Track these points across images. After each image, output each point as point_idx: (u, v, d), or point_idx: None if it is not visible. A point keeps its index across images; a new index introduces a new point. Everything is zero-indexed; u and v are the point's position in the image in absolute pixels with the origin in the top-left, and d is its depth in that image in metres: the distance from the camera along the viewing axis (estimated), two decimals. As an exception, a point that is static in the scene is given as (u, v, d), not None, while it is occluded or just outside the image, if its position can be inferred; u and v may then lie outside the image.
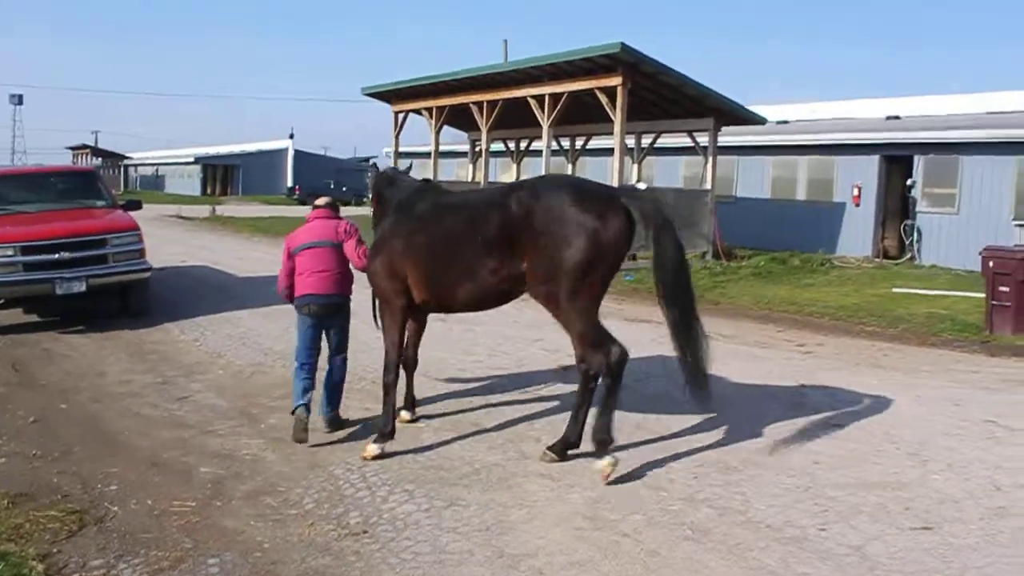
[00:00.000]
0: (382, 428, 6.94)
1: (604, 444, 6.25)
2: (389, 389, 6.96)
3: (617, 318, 13.38)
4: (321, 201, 8.15)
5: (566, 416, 7.73)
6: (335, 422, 7.56)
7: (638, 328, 12.50)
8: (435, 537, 5.31)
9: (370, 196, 8.17)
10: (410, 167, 8.58)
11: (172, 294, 14.94)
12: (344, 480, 6.33)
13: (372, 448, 6.80)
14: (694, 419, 7.75)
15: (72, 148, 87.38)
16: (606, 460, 6.19)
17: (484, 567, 4.92)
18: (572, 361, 9.89)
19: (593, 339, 6.43)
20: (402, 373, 7.41)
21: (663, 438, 7.27)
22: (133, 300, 12.99)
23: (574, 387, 8.64)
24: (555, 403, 8.28)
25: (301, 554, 5.15)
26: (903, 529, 5.42)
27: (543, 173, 20.30)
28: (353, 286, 7.85)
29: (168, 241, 23.67)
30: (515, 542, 5.23)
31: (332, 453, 6.93)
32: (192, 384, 9.25)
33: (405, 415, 7.69)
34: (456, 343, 11.16)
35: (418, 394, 8.27)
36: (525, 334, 11.82)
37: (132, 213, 13.74)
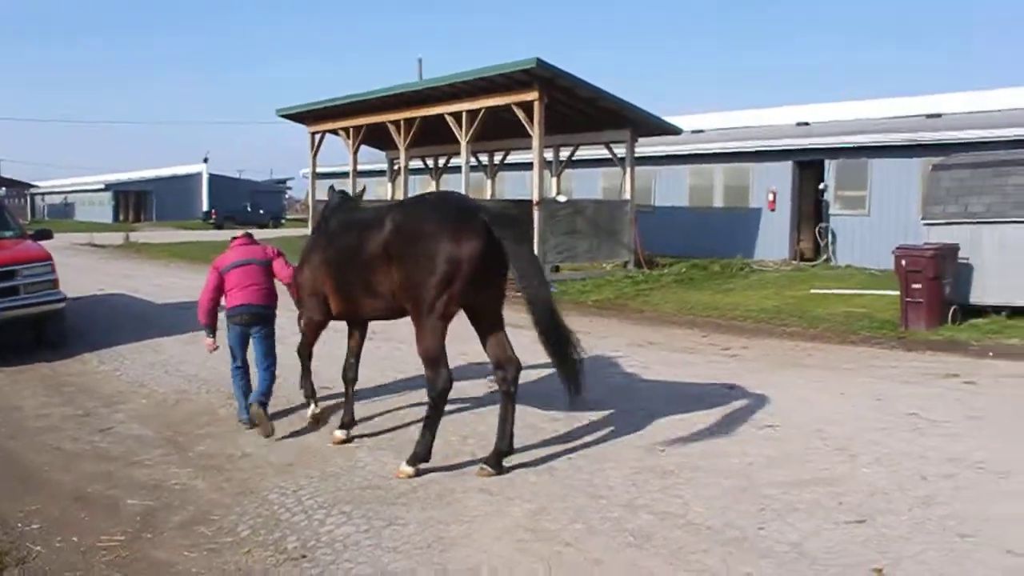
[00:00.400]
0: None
1: (418, 459, 6.68)
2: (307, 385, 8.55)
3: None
4: (239, 232, 9.22)
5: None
6: (258, 414, 7.87)
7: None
8: (376, 557, 5.23)
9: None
10: (363, 190, 9.88)
11: (90, 324, 14.52)
12: (279, 504, 6.20)
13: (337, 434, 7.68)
14: (629, 427, 7.80)
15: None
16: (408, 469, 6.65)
17: (427, 585, 4.87)
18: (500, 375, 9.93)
19: (434, 358, 6.79)
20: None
21: (597, 445, 7.29)
22: (48, 332, 12.56)
23: (495, 399, 8.70)
24: (488, 417, 8.22)
25: (239, 582, 5.03)
26: (838, 523, 5.52)
27: (463, 189, 20.38)
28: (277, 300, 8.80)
29: (83, 270, 23.04)
30: (457, 558, 5.18)
31: (264, 478, 6.78)
32: (114, 415, 8.98)
33: (314, 408, 8.46)
34: (384, 361, 11.08)
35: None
36: (453, 349, 11.68)
37: (43, 243, 13.30)
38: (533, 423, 7.98)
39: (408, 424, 8.13)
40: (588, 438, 7.53)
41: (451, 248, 6.41)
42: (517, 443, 6.99)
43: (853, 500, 5.92)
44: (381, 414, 8.56)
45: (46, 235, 13.80)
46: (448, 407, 8.57)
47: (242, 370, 8.48)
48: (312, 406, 8.47)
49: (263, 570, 5.17)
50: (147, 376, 10.65)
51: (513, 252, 6.60)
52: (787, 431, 7.59)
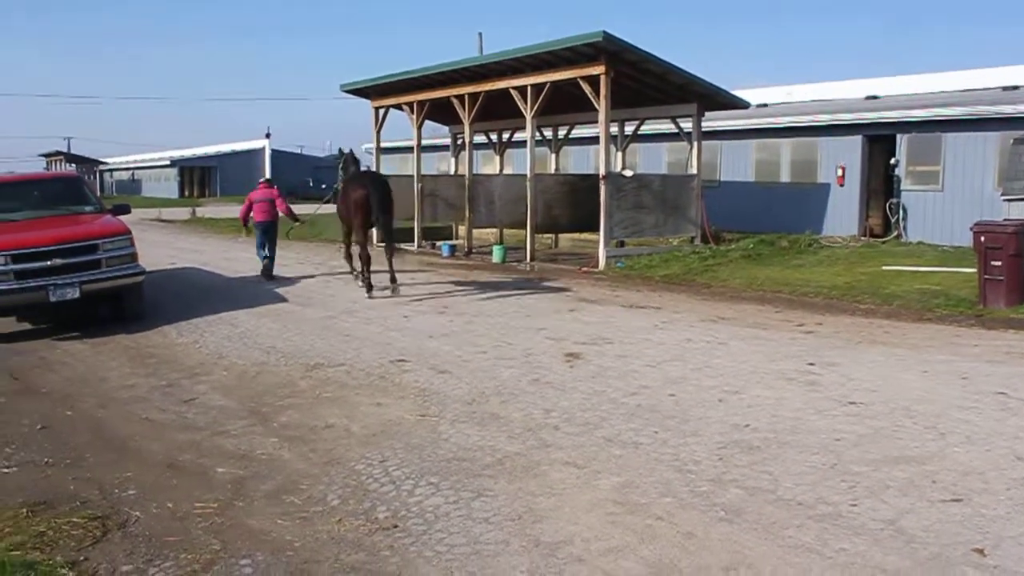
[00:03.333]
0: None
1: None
2: (351, 264, 16.41)
3: (615, 305, 13.42)
4: (263, 178, 18.49)
5: (582, 403, 7.82)
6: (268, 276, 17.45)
7: (639, 314, 12.49)
8: (467, 528, 5.26)
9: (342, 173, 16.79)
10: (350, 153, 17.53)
11: (165, 297, 14.82)
12: (366, 475, 6.27)
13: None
14: (710, 402, 7.75)
15: (45, 155, 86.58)
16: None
17: (522, 556, 4.88)
18: (577, 349, 9.97)
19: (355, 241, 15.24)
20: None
21: (680, 419, 7.25)
22: (128, 304, 12.84)
23: (583, 374, 8.73)
24: (570, 393, 8.24)
25: (333, 551, 5.08)
26: (933, 502, 5.42)
27: (527, 164, 20.34)
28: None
29: (153, 244, 23.52)
30: (549, 530, 5.19)
31: (349, 449, 6.86)
32: (197, 386, 9.15)
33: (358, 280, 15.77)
34: (460, 335, 11.11)
35: (428, 387, 8.53)
36: (527, 324, 11.79)
37: (121, 217, 13.57)
38: (615, 398, 7.97)
39: (488, 397, 8.15)
40: (670, 412, 7.48)
41: (359, 197, 14.33)
42: (600, 417, 7.11)
43: (947, 479, 5.82)
44: (459, 387, 8.57)
45: (124, 210, 14.08)
46: (529, 383, 8.67)
47: (260, 248, 17.83)
48: (359, 280, 15.54)
49: (356, 539, 5.23)
50: (226, 348, 10.83)
51: (377, 201, 14.19)
52: (873, 408, 7.48)
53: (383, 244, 14.73)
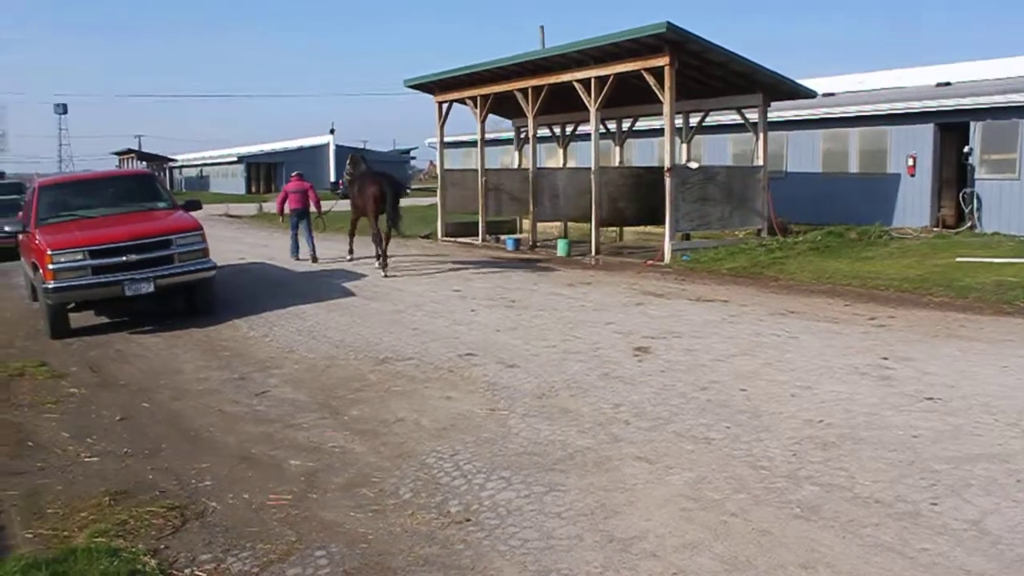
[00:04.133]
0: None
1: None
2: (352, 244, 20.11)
3: (682, 298, 13.31)
4: (295, 173, 21.40)
5: (652, 397, 7.77)
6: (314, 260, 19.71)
7: (707, 308, 12.37)
8: (540, 523, 5.26)
9: (351, 171, 18.85)
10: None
11: (235, 291, 15.07)
12: (437, 468, 6.31)
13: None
14: (783, 397, 7.65)
15: (117, 153, 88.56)
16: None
17: (596, 551, 4.87)
18: (645, 343, 9.91)
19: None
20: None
21: (752, 415, 7.16)
22: (200, 299, 13.10)
23: (652, 368, 8.67)
24: (640, 387, 8.19)
25: (407, 544, 5.13)
26: (1019, 502, 5.28)
27: (591, 157, 20.25)
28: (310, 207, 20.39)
29: (222, 239, 23.91)
30: (622, 525, 5.17)
31: (420, 443, 6.91)
32: (268, 379, 9.29)
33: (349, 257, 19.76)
34: (528, 329, 11.11)
35: (497, 381, 8.59)
36: (594, 317, 11.75)
37: (193, 213, 13.84)
38: (685, 392, 7.91)
39: (558, 391, 8.14)
40: (742, 407, 7.40)
41: (376, 191, 16.92)
42: (670, 412, 7.14)
43: (1031, 477, 5.67)
44: (527, 381, 8.57)
45: (195, 206, 14.35)
46: (598, 377, 8.64)
47: (293, 238, 20.61)
48: (349, 255, 19.86)
49: (429, 532, 5.26)
50: (296, 342, 10.97)
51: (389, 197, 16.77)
52: (951, 404, 7.30)
53: (387, 229, 17.23)
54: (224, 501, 5.98)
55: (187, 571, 4.96)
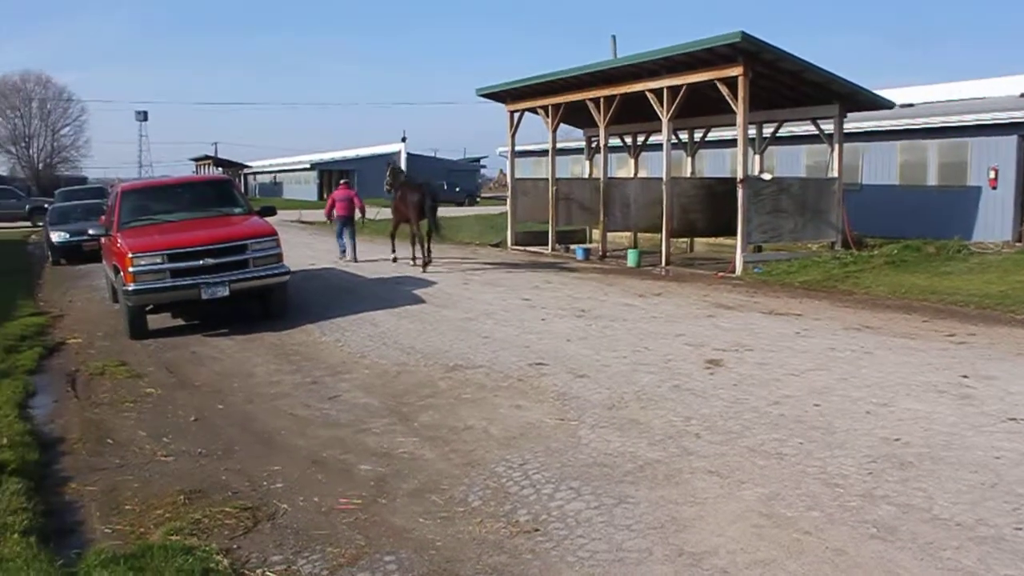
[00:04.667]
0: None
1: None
2: (394, 244, 21.42)
3: (754, 311, 13.14)
4: (343, 181, 23.36)
5: (723, 411, 7.67)
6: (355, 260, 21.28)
7: (779, 321, 12.19)
8: (609, 535, 5.22)
9: (390, 180, 20.55)
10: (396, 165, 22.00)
11: (307, 296, 15.29)
12: (506, 477, 6.31)
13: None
14: (857, 415, 7.49)
15: (195, 159, 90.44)
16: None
17: (665, 566, 4.81)
18: (717, 355, 9.80)
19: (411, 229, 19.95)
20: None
21: (826, 431, 7.02)
22: (273, 303, 13.31)
23: (723, 381, 8.55)
24: (711, 400, 8.09)
25: (475, 552, 5.13)
26: (1109, 527, 5.10)
27: (663, 167, 20.11)
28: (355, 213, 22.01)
29: (295, 245, 24.24)
30: (693, 540, 5.11)
31: (489, 451, 6.91)
32: (340, 384, 9.40)
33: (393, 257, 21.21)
34: (598, 339, 11.06)
35: (566, 390, 8.57)
36: (665, 329, 11.66)
37: (267, 219, 14.07)
38: (757, 407, 7.79)
39: (628, 403, 8.08)
40: (816, 423, 7.26)
41: (418, 198, 18.90)
42: (742, 426, 7.08)
43: (1123, 504, 5.46)
44: (597, 392, 8.53)
45: (270, 211, 14.60)
46: (669, 389, 8.57)
47: (340, 241, 22.48)
48: (392, 256, 21.17)
49: (497, 541, 5.26)
50: (367, 347, 11.08)
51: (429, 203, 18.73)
52: (1035, 425, 7.09)
53: (428, 231, 19.37)
54: (295, 503, 6.05)
55: (258, 571, 5.03)
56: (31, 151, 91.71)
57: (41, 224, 31.89)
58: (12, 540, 5.28)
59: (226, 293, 12.35)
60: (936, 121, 23.15)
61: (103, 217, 16.11)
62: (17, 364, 10.68)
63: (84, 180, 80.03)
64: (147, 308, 12.72)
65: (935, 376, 8.75)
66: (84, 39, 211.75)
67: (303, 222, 39.55)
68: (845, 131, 21.26)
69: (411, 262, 20.14)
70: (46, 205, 37.66)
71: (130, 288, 12.07)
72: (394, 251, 21.37)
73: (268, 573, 5.01)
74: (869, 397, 8.01)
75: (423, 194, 19.09)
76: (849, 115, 21.11)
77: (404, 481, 6.40)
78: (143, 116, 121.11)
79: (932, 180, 23.49)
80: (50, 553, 5.15)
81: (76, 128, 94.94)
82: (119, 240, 12.85)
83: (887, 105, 20.85)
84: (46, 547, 5.25)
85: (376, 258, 21.95)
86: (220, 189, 15.72)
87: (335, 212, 22.34)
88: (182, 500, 6.13)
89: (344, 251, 22.34)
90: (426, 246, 19.40)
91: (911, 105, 27.18)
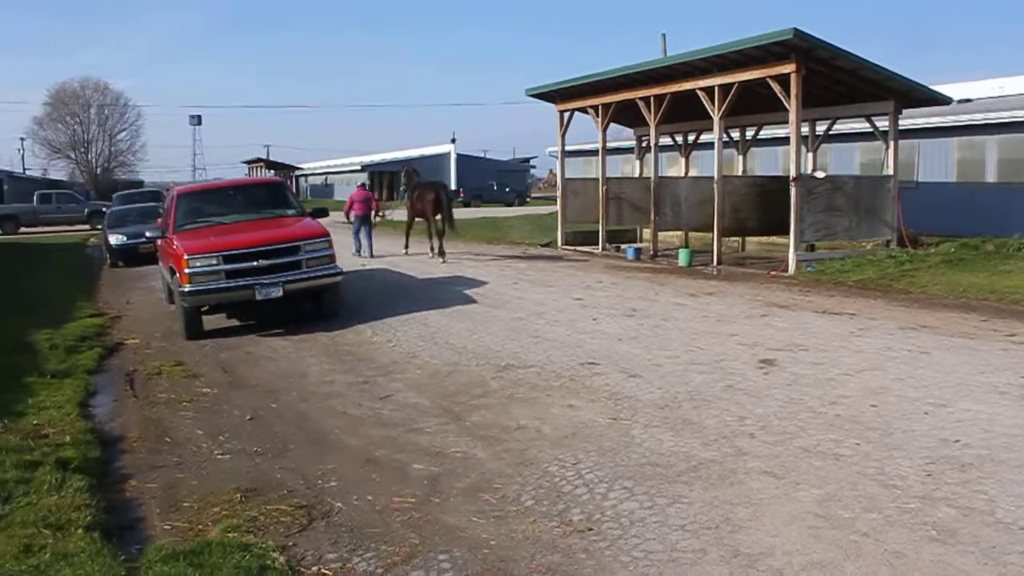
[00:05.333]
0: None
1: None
2: (408, 240, 23.74)
3: (808, 310, 13.00)
4: (360, 184, 27.48)
5: (778, 411, 7.61)
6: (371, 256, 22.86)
7: (834, 320, 12.03)
8: (664, 535, 5.20)
9: (406, 182, 23.50)
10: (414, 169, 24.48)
11: (359, 297, 15.40)
12: (559, 477, 6.31)
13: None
14: (915, 415, 7.37)
15: (247, 162, 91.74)
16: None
17: (720, 566, 4.78)
18: (770, 355, 9.70)
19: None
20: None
21: (883, 432, 6.92)
22: (326, 303, 13.44)
23: (777, 381, 8.46)
24: (765, 400, 8.01)
25: (529, 551, 5.13)
26: None
27: (714, 166, 19.95)
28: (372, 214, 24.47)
29: (346, 246, 24.45)
30: (748, 541, 5.06)
31: (542, 450, 6.91)
32: (392, 383, 9.46)
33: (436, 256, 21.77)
34: (650, 339, 11.01)
35: (619, 390, 8.55)
36: (717, 328, 11.57)
37: (320, 220, 14.19)
38: (812, 407, 7.70)
39: (680, 403, 8.03)
40: (872, 424, 7.15)
41: (435, 196, 21.40)
42: (797, 427, 7.04)
43: None
44: (650, 392, 8.49)
45: (322, 213, 14.73)
46: (722, 389, 8.51)
47: (356, 239, 23.63)
48: (405, 250, 23.36)
49: (551, 540, 5.26)
50: (418, 347, 11.14)
51: (445, 201, 21.37)
52: (1101, 426, 6.92)
53: (442, 228, 21.73)
54: (349, 502, 6.10)
55: (314, 569, 5.08)
56: (89, 156, 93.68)
57: (100, 227, 32.49)
58: (76, 536, 5.40)
59: (280, 294, 12.49)
60: (996, 117, 22.70)
61: (159, 220, 16.37)
62: (78, 364, 10.91)
63: (140, 184, 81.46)
64: (202, 309, 12.91)
65: (995, 377, 8.58)
66: (139, 45, 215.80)
67: (352, 222, 39.76)
68: (901, 128, 20.94)
69: (428, 254, 22.39)
70: (104, 209, 38.38)
71: (186, 289, 12.26)
72: (407, 246, 23.66)
73: (323, 571, 5.06)
74: (927, 398, 7.88)
75: (438, 193, 21.75)
76: (906, 112, 20.79)
77: (457, 480, 6.42)
78: (197, 120, 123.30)
79: (991, 177, 23.06)
80: (113, 549, 5.26)
81: (132, 133, 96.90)
82: (175, 242, 13.06)
83: (945, 101, 20.50)
84: (109, 543, 5.37)
85: (390, 254, 23.64)
86: (273, 191, 15.91)
87: (353, 212, 24.21)
88: (238, 498, 6.22)
89: (359, 249, 23.80)
90: (440, 241, 21.73)
91: (968, 100, 26.69)
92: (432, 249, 22.17)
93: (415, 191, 22.54)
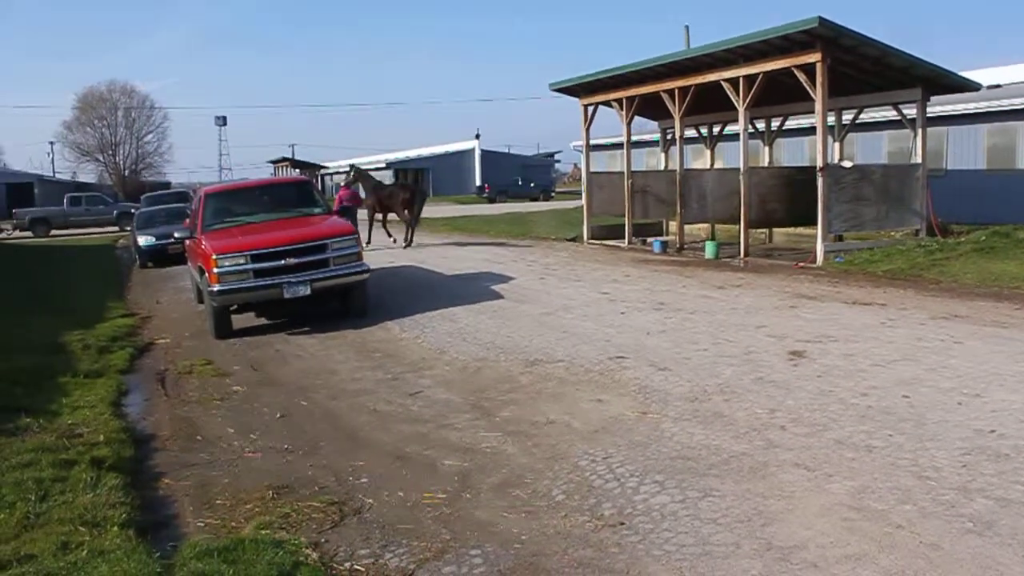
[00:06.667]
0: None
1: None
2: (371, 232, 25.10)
3: (837, 301, 12.91)
4: (343, 181, 26.41)
5: (808, 403, 7.55)
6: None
7: (863, 311, 11.93)
8: (696, 528, 5.18)
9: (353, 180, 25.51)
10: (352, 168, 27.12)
11: (387, 294, 15.44)
12: (590, 471, 6.30)
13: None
14: (949, 406, 7.30)
15: (273, 161, 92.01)
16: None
17: (754, 560, 4.75)
18: (800, 347, 9.63)
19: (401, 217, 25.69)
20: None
21: (917, 423, 6.85)
22: (354, 301, 13.48)
23: (808, 373, 8.41)
24: (795, 392, 7.96)
25: (561, 545, 5.13)
26: None
27: (740, 157, 19.83)
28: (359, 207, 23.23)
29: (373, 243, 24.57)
30: (781, 534, 5.03)
31: (572, 445, 6.91)
32: (421, 380, 9.48)
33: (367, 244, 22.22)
34: (678, 332, 10.96)
35: (648, 384, 8.52)
36: (746, 321, 11.50)
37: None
38: (843, 398, 7.64)
39: (710, 395, 8.00)
40: (905, 415, 7.09)
41: (404, 195, 25.36)
42: (828, 418, 7.01)
43: None
44: (679, 385, 8.46)
45: (349, 211, 14.76)
46: (752, 381, 8.46)
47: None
48: (369, 242, 23.19)
49: (582, 535, 5.25)
50: (447, 343, 11.15)
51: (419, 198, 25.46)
52: None
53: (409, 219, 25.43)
54: (380, 498, 6.13)
55: (347, 565, 5.11)
56: (117, 158, 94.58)
57: (128, 229, 32.78)
58: (112, 533, 5.45)
59: (308, 292, 12.54)
60: (1024, 102, 22.42)
61: (187, 220, 16.49)
62: (110, 364, 11.01)
63: (168, 185, 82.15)
64: (231, 308, 12.99)
65: (1028, 365, 8.48)
66: (165, 48, 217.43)
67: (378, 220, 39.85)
68: (929, 115, 20.72)
69: (395, 242, 25.68)
70: (133, 210, 38.75)
71: (215, 288, 12.34)
72: (369, 240, 24.82)
73: (356, 567, 5.08)
74: (960, 388, 7.79)
75: (413, 193, 25.87)
76: (934, 99, 20.57)
77: (487, 476, 6.43)
78: (222, 121, 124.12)
79: (1022, 163, 22.77)
80: (147, 546, 5.30)
81: (159, 135, 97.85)
82: (203, 242, 13.14)
83: (974, 87, 20.27)
84: (143, 540, 5.42)
85: (378, 247, 24.65)
86: (300, 190, 15.96)
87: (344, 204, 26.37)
88: (270, 495, 6.26)
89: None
90: (413, 231, 25.71)
91: (998, 86, 26.37)
92: (393, 240, 25.88)
93: (385, 190, 26.28)
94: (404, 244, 25.33)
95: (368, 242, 24.09)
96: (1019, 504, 5.23)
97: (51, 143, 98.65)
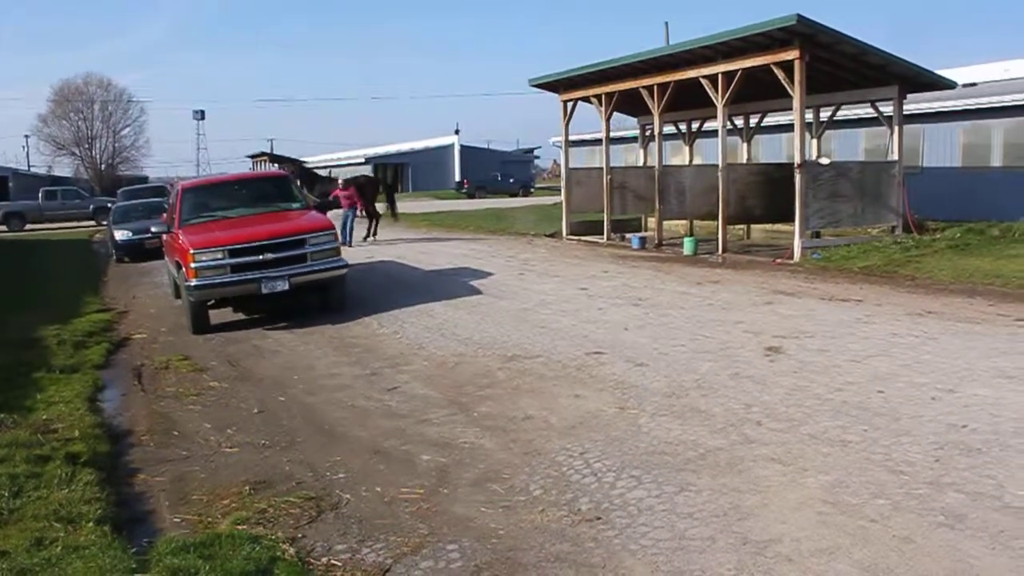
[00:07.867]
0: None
1: None
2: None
3: (813, 297, 12.99)
4: (341, 182, 27.53)
5: (784, 398, 7.61)
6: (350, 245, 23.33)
7: (840, 307, 12.03)
8: (672, 523, 5.21)
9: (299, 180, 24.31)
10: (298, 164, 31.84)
11: (365, 289, 15.42)
12: (567, 466, 6.32)
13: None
14: (921, 401, 7.37)
15: (251, 156, 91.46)
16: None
17: (728, 553, 4.79)
18: (776, 343, 9.70)
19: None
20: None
21: (891, 418, 6.92)
22: (332, 296, 13.45)
23: (784, 368, 8.46)
24: (771, 388, 8.02)
25: (538, 540, 5.15)
26: None
27: (719, 154, 19.91)
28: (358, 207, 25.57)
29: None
30: (756, 528, 5.07)
31: (549, 440, 6.93)
32: (399, 375, 9.47)
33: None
34: (656, 328, 11.01)
35: (625, 379, 8.55)
36: (723, 316, 11.56)
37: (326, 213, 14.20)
38: (819, 394, 7.70)
39: (687, 391, 8.04)
40: (879, 410, 7.15)
41: (365, 187, 26.55)
42: (804, 414, 7.05)
43: None
44: (656, 381, 8.50)
45: (328, 206, 14.72)
46: (729, 376, 8.51)
47: (343, 228, 23.54)
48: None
49: (559, 530, 5.27)
50: (425, 339, 11.15)
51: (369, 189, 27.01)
52: (1109, 409, 6.91)
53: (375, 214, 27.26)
54: (357, 493, 6.13)
55: (324, 560, 5.10)
56: (94, 152, 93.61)
57: (105, 223, 32.55)
58: (87, 529, 5.43)
59: (286, 287, 12.50)
60: (1001, 100, 22.60)
61: (164, 215, 16.39)
62: (86, 359, 10.94)
63: (145, 179, 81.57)
64: (209, 303, 12.93)
65: (1002, 361, 8.57)
66: (142, 41, 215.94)
67: (359, 216, 39.76)
68: (905, 113, 20.87)
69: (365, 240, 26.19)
70: (109, 205, 38.46)
71: (192, 283, 12.29)
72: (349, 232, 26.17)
73: (333, 562, 5.08)
74: (934, 383, 7.87)
75: (376, 189, 28.25)
76: (910, 96, 20.72)
77: (465, 471, 6.44)
78: (200, 115, 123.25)
79: (997, 162, 22.97)
80: (123, 541, 5.28)
81: (136, 129, 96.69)
82: (181, 237, 13.08)
83: (949, 85, 20.44)
84: (119, 536, 5.39)
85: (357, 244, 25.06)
86: (278, 185, 15.90)
87: (343, 203, 26.80)
88: (247, 490, 6.25)
89: (348, 241, 25.74)
90: (375, 225, 27.11)
91: (973, 84, 26.58)
92: (366, 237, 26.68)
93: (349, 187, 26.36)
94: (365, 237, 26.30)
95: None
96: (990, 497, 5.30)
97: (26, 136, 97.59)
